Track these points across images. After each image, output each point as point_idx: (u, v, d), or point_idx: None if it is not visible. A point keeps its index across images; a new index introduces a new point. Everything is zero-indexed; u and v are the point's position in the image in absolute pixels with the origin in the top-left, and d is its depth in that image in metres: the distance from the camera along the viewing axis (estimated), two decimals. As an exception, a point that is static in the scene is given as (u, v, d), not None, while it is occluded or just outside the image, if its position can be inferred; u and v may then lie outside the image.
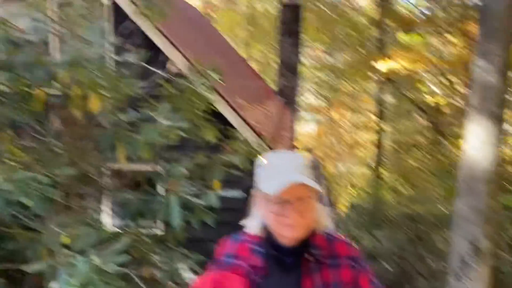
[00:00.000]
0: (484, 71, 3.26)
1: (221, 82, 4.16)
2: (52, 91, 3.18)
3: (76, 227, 2.76)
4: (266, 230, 1.47)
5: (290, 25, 14.20)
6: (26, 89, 3.08)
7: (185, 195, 3.11)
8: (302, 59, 23.47)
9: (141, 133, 3.15)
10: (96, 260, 2.54)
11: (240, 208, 6.18)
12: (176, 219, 2.98)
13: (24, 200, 2.42)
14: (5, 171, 2.36)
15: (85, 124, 3.47)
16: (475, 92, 3.34)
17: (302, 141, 28.86)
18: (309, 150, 19.43)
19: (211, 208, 3.30)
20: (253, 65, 24.52)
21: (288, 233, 1.39)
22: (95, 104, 3.19)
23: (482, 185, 3.35)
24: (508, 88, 3.35)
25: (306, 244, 1.45)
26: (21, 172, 2.40)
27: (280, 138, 8.92)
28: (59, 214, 2.97)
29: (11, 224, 3.20)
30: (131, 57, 3.44)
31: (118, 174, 4.47)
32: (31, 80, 2.84)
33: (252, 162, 4.47)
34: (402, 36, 16.51)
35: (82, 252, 2.62)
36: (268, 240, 1.46)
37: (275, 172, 1.36)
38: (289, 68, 14.99)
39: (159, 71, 3.64)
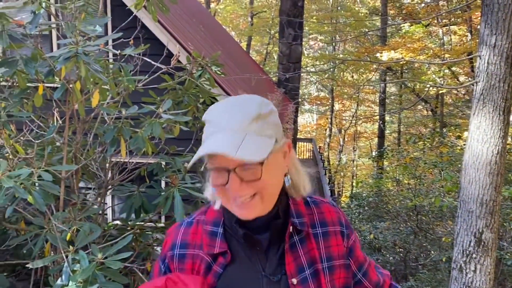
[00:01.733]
0: (489, 61, 3.22)
1: (222, 75, 4.13)
2: (53, 86, 3.16)
3: (79, 223, 2.75)
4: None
5: (291, 15, 14.11)
6: (28, 84, 3.06)
7: (187, 189, 3.10)
8: (304, 49, 23.42)
9: (144, 127, 3.12)
10: (100, 256, 2.53)
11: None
12: (179, 213, 2.97)
13: (26, 196, 2.41)
14: (7, 168, 2.35)
15: (87, 119, 3.45)
16: (479, 83, 3.30)
17: (301, 131, 28.87)
18: (309, 140, 19.43)
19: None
20: (254, 56, 24.45)
21: (238, 211, 1.06)
22: (96, 99, 3.17)
23: (486, 177, 3.32)
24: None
25: (280, 213, 1.13)
26: (23, 169, 2.39)
27: (283, 129, 8.88)
28: (62, 210, 2.97)
29: (15, 220, 3.21)
30: (132, 51, 3.41)
31: (120, 168, 4.46)
32: (31, 75, 2.82)
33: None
34: (404, 26, 16.40)
35: (85, 248, 2.61)
36: (230, 216, 1.11)
37: (211, 130, 1.01)
38: (290, 59, 14.93)
39: (159, 65, 3.60)
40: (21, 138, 2.96)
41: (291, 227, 1.13)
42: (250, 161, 0.95)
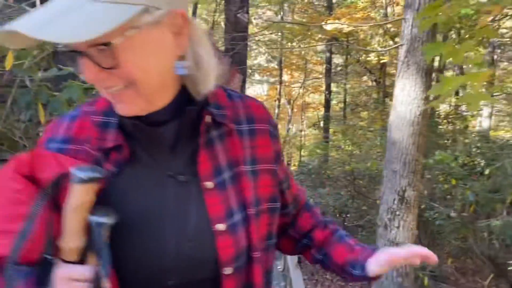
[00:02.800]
0: (412, 23, 3.30)
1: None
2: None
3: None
4: None
5: (237, -17, 13.81)
6: None
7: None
8: (252, 19, 23.12)
9: (63, 91, 2.96)
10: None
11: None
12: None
13: None
14: None
15: (2, 84, 3.22)
16: (403, 46, 3.39)
17: (253, 103, 28.82)
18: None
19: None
20: (201, 25, 23.85)
21: (115, 106, 0.85)
22: (10, 60, 2.95)
23: (409, 137, 3.47)
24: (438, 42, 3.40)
25: (189, 102, 0.90)
26: None
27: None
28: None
29: None
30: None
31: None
32: None
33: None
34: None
35: None
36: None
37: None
38: (237, 28, 14.70)
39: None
40: None
41: (208, 117, 0.91)
42: (72, 41, 0.68)
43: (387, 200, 3.67)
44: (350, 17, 13.23)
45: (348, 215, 9.22)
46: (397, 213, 3.58)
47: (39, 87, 2.98)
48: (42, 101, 2.92)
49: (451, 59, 1.46)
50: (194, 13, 21.18)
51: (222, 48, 16.13)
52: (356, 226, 8.81)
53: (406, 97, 3.42)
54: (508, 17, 9.63)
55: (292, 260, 5.86)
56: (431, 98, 3.35)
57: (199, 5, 21.86)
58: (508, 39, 14.87)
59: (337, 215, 9.41)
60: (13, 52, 2.97)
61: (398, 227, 3.60)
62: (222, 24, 19.36)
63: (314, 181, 10.61)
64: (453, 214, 6.44)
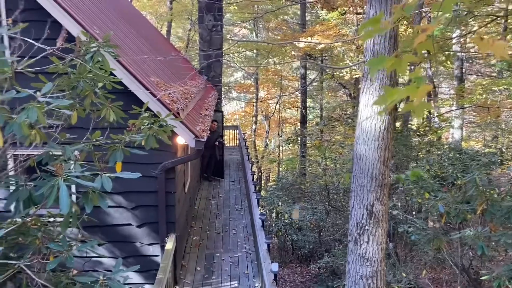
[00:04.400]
0: (374, 41, 3.36)
1: (117, 57, 3.94)
2: None
3: None
4: None
5: (211, 1, 13.93)
6: None
7: (75, 179, 2.92)
8: (228, 37, 23.23)
9: (21, 113, 2.88)
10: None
11: (153, 190, 6.03)
12: (65, 203, 2.79)
13: None
14: None
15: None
16: (366, 62, 3.44)
17: (230, 119, 28.88)
18: (235, 127, 19.49)
19: (106, 192, 3.12)
20: (176, 43, 23.90)
21: None
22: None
23: (375, 152, 3.49)
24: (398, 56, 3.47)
25: None
26: None
27: (200, 116, 8.80)
28: None
29: None
30: (8, 31, 3.12)
31: (14, 160, 4.12)
32: None
33: (162, 142, 4.34)
34: (322, 14, 16.88)
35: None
36: None
37: None
38: (211, 45, 14.78)
39: (43, 46, 3.34)
40: None
41: None
42: None
43: (356, 215, 3.66)
44: (322, 34, 13.47)
45: (324, 229, 9.21)
46: (366, 227, 3.57)
47: (-2, 109, 2.90)
48: None
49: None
50: (168, 31, 21.22)
51: (198, 66, 16.16)
52: (333, 240, 8.79)
53: (370, 112, 3.45)
54: (470, 34, 9.97)
55: (268, 277, 5.81)
56: (400, 110, 3.40)
57: (173, 24, 21.92)
58: (475, 53, 15.37)
59: (314, 230, 9.39)
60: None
61: (367, 242, 3.58)
62: (198, 42, 19.42)
63: (291, 196, 10.61)
64: (429, 225, 6.51)
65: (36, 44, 3.35)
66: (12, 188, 3.74)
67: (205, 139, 7.00)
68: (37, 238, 3.50)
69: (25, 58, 3.26)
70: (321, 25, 16.24)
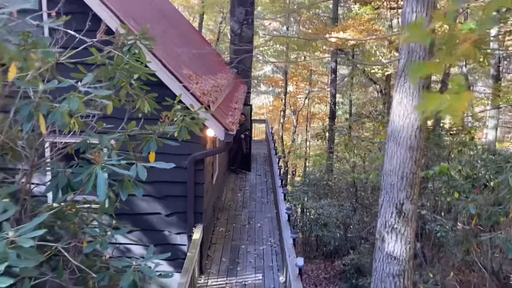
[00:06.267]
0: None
1: (152, 49, 4.03)
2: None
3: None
4: None
5: (243, -6, 13.97)
6: None
7: (111, 167, 3.02)
8: (258, 30, 23.21)
9: (63, 102, 3.01)
10: (12, 235, 2.45)
11: (183, 180, 6.13)
12: (102, 190, 2.90)
13: None
14: None
15: (4, 94, 3.28)
16: (401, 60, 3.41)
17: (258, 113, 28.92)
18: (263, 121, 19.53)
19: (140, 181, 3.22)
20: (208, 36, 24.06)
21: None
22: (12, 72, 3.02)
23: (406, 151, 3.47)
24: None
25: None
26: None
27: (230, 109, 8.88)
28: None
29: None
30: (56, 23, 3.25)
31: (51, 147, 4.29)
32: None
33: (194, 133, 4.42)
34: (355, 8, 16.64)
35: (-2, 227, 2.51)
36: None
37: None
38: (242, 39, 14.82)
39: (83, 37, 3.46)
40: None
41: None
42: None
43: (385, 213, 3.64)
44: (354, 29, 13.29)
45: (350, 227, 9.16)
46: (395, 226, 3.56)
47: (40, 98, 3.04)
48: (42, 112, 2.97)
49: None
50: (200, 23, 21.39)
51: (228, 59, 16.25)
52: (359, 237, 8.74)
53: (403, 110, 3.42)
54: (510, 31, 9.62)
55: (293, 271, 5.85)
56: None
57: (205, 16, 22.07)
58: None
59: (340, 227, 9.36)
60: (16, 64, 3.04)
61: (396, 240, 3.57)
62: (229, 35, 19.51)
63: (317, 192, 10.59)
64: (458, 226, 6.40)
65: (78, 36, 3.48)
66: (49, 174, 3.90)
67: (234, 132, 7.07)
68: (73, 223, 3.65)
69: (67, 49, 3.39)
70: (354, 20, 16.02)
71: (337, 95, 20.20)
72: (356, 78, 20.85)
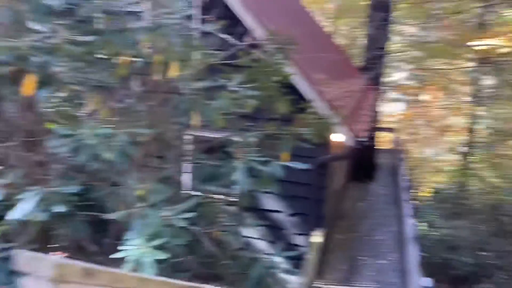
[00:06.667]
0: None
1: (295, 54, 4.17)
2: (136, 58, 3.44)
3: (151, 183, 3.00)
4: None
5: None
6: (114, 56, 3.36)
7: (251, 163, 3.22)
8: (392, 35, 22.31)
9: (215, 100, 3.29)
10: (166, 214, 2.75)
11: (308, 182, 6.22)
12: (242, 184, 3.11)
13: (107, 154, 2.67)
14: (91, 127, 2.63)
15: (165, 90, 3.71)
16: None
17: (387, 121, 27.78)
18: (391, 130, 18.69)
19: (276, 178, 3.37)
20: (339, 40, 23.86)
21: None
22: (174, 71, 3.39)
23: None
24: None
25: None
26: (104, 128, 2.66)
27: (359, 115, 8.70)
28: (137, 170, 3.25)
29: (95, 177, 3.57)
30: (210, 27, 3.58)
31: (196, 140, 4.71)
32: (118, 45, 3.08)
33: (324, 137, 4.47)
34: (506, 12, 14.95)
35: (154, 206, 2.86)
36: None
37: None
38: (377, 44, 14.36)
39: (236, 42, 3.74)
40: (107, 103, 3.28)
41: None
42: None
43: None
44: (506, 36, 11.93)
45: (486, 253, 8.27)
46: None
47: (196, 96, 3.36)
48: (198, 108, 3.29)
49: None
50: (332, 28, 21.32)
51: (360, 65, 15.92)
52: (495, 266, 7.85)
53: None
54: None
55: None
56: None
57: (337, 21, 21.93)
58: None
59: (473, 251, 8.50)
60: (177, 63, 3.41)
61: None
62: (360, 40, 19.11)
63: (448, 210, 9.80)
64: None
65: (232, 40, 3.78)
66: (189, 166, 4.28)
67: (363, 139, 6.93)
68: (211, 211, 3.97)
69: (221, 52, 3.70)
70: (504, 26, 14.43)
71: (478, 108, 18.41)
72: (502, 90, 18.74)
